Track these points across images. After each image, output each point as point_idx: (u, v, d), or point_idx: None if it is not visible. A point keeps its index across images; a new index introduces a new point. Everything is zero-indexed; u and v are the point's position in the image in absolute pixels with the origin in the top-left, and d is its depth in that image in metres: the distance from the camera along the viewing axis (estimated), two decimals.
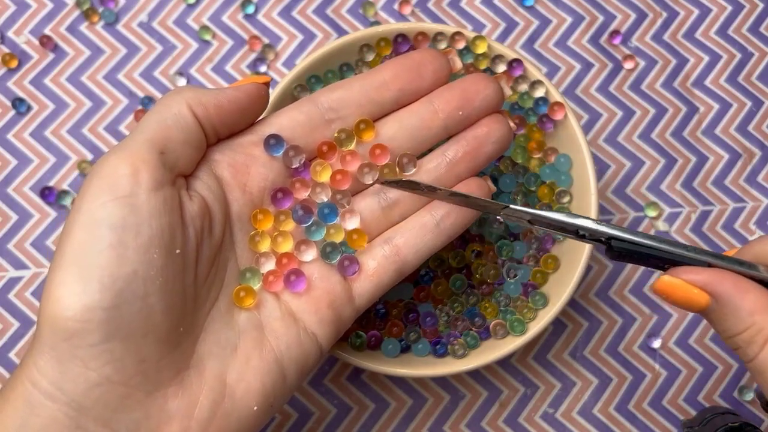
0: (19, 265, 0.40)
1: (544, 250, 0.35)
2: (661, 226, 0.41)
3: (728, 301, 0.24)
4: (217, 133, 0.28)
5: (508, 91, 0.34)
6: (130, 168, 0.24)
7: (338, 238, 0.29)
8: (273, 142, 0.28)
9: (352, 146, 0.30)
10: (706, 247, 0.41)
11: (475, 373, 0.40)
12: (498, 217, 0.28)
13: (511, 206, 0.27)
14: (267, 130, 0.29)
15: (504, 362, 0.40)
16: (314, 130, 0.29)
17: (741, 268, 0.25)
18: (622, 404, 0.39)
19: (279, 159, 0.29)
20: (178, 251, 0.25)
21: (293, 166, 0.29)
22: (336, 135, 0.29)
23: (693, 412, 0.39)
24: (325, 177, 0.29)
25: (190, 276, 0.26)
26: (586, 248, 0.33)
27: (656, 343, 0.40)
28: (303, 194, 0.29)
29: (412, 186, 0.28)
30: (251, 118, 0.29)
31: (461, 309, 0.35)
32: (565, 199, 0.35)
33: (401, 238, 0.30)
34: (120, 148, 0.25)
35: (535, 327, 0.33)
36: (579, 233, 0.26)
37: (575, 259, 0.33)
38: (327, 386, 0.39)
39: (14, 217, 0.40)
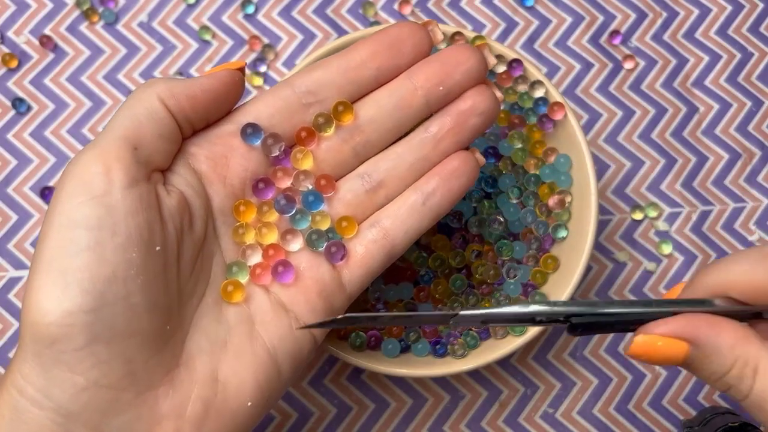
0: (19, 265, 0.40)
1: (544, 250, 0.35)
2: (661, 226, 0.41)
3: (707, 342, 0.22)
4: (192, 125, 0.27)
5: (492, 60, 0.32)
6: (103, 166, 0.24)
7: (324, 226, 0.28)
8: (250, 131, 0.27)
9: (332, 131, 0.29)
10: (707, 247, 0.41)
11: (475, 373, 0.40)
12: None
13: (461, 312, 0.24)
14: (244, 119, 0.28)
15: (504, 362, 0.40)
16: (293, 116, 0.28)
17: (702, 308, 0.23)
18: (622, 404, 0.39)
19: (258, 148, 0.28)
20: (158, 248, 0.24)
21: (273, 155, 0.28)
22: (314, 119, 0.28)
23: (693, 412, 0.39)
24: (306, 164, 0.28)
25: (173, 272, 0.25)
26: (586, 248, 0.33)
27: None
28: (285, 183, 0.28)
29: (346, 322, 0.24)
30: (227, 107, 0.28)
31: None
32: (568, 199, 0.35)
33: (388, 220, 0.29)
34: (91, 147, 0.24)
35: (535, 327, 0.33)
36: (536, 320, 0.24)
37: (575, 259, 0.33)
38: (327, 386, 0.39)
39: (14, 217, 0.40)
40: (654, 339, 0.23)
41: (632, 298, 0.41)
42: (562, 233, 0.35)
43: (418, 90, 0.29)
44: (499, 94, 0.30)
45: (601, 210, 0.42)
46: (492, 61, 0.32)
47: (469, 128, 0.29)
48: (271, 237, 0.28)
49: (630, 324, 0.24)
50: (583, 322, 0.23)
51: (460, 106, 0.29)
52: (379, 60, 0.29)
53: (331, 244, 0.28)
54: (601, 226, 0.41)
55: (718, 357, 0.22)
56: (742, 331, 0.22)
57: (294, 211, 0.28)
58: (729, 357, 0.22)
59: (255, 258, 0.28)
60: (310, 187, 0.29)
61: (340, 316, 0.24)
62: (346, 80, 0.29)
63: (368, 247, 0.29)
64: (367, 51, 0.29)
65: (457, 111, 0.29)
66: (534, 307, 0.24)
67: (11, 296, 0.40)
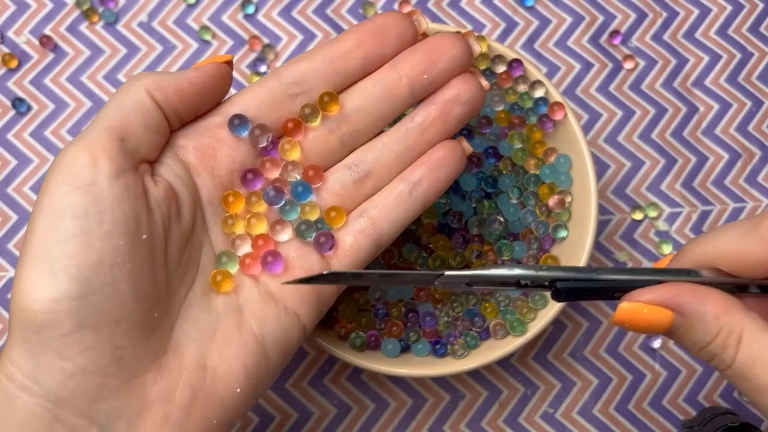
0: None
1: (544, 250, 0.35)
2: (662, 226, 0.41)
3: (692, 310, 0.22)
4: (179, 117, 0.27)
5: (477, 48, 0.31)
6: (89, 157, 0.24)
7: (314, 216, 0.29)
8: (237, 122, 0.28)
9: (318, 121, 0.29)
10: None
11: (475, 373, 0.40)
12: (440, 284, 0.25)
13: (446, 273, 0.24)
14: (231, 110, 0.28)
15: (504, 362, 0.40)
16: (279, 107, 0.29)
17: (688, 278, 0.23)
18: (622, 404, 0.39)
19: (246, 139, 0.28)
20: (144, 236, 0.25)
21: (260, 146, 0.28)
22: (300, 110, 0.29)
23: (693, 412, 0.39)
24: (294, 155, 0.29)
25: (160, 261, 0.25)
26: (586, 248, 0.33)
27: (656, 343, 0.40)
28: (274, 173, 0.29)
29: (331, 278, 0.25)
30: (215, 100, 0.28)
31: (461, 309, 0.35)
32: (568, 199, 0.35)
33: (375, 210, 0.29)
34: (79, 138, 0.25)
35: (535, 327, 0.33)
36: (521, 284, 0.24)
37: (575, 259, 0.33)
38: (327, 386, 0.39)
39: (14, 217, 0.40)
40: (639, 306, 0.23)
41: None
42: (562, 233, 0.35)
43: (403, 79, 0.29)
44: (484, 83, 0.30)
45: (601, 210, 0.42)
46: (477, 49, 0.31)
47: (454, 117, 0.29)
48: (260, 227, 0.28)
49: (615, 291, 0.24)
50: (567, 287, 0.23)
51: (445, 95, 0.29)
52: (365, 49, 0.29)
53: (320, 234, 0.28)
54: (601, 226, 0.41)
55: (703, 326, 0.22)
56: (727, 300, 0.22)
57: (283, 202, 0.29)
58: (713, 326, 0.22)
59: (244, 248, 0.28)
60: (299, 177, 0.29)
61: (325, 272, 0.24)
62: (332, 70, 0.29)
63: (356, 237, 0.29)
64: (352, 41, 0.29)
65: (442, 100, 0.29)
66: (519, 271, 0.24)
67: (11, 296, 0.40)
